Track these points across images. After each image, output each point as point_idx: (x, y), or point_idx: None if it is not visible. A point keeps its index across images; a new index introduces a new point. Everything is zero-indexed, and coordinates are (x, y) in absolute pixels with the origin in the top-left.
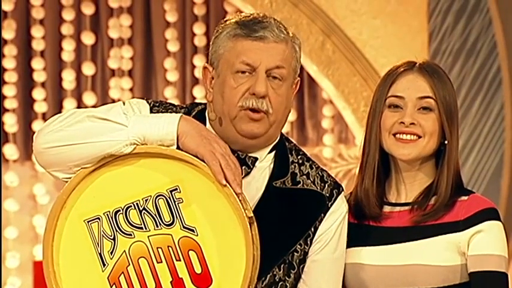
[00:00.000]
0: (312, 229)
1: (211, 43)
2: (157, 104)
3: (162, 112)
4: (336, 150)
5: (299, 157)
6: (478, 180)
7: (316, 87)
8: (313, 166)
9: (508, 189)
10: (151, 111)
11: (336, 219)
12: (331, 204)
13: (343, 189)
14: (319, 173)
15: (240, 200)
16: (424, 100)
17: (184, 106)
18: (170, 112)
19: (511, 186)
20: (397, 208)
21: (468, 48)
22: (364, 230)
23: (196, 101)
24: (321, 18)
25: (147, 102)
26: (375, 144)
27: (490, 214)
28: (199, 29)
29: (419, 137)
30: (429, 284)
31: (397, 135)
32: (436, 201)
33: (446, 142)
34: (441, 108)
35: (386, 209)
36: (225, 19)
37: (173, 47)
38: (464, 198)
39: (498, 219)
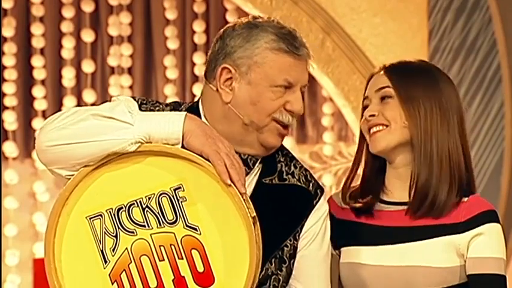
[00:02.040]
0: (300, 225)
1: (235, 45)
2: (144, 101)
3: (150, 109)
4: (336, 148)
5: (284, 156)
6: (478, 178)
7: (316, 85)
8: (297, 165)
9: (508, 187)
10: (139, 109)
11: (319, 216)
12: (316, 202)
13: (324, 190)
14: (303, 172)
15: (243, 200)
16: (381, 91)
17: (169, 104)
18: (158, 109)
19: (511, 183)
20: (394, 207)
21: (468, 46)
22: (362, 229)
23: (196, 99)
24: (321, 16)
25: (135, 99)
26: (364, 146)
27: (490, 216)
28: (199, 26)
29: (386, 126)
30: (428, 285)
31: (370, 131)
32: (432, 200)
33: (405, 123)
34: (401, 95)
35: (383, 207)
36: (251, 22)
37: (173, 44)
38: (464, 199)
39: (497, 221)
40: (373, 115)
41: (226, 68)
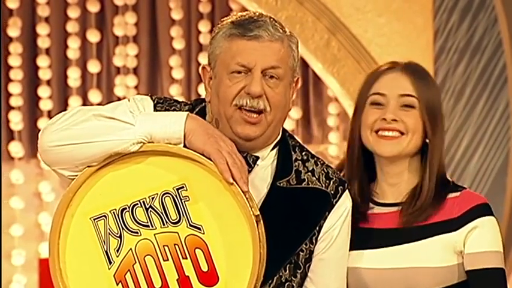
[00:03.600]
0: (317, 228)
1: (209, 43)
2: (161, 101)
3: (166, 109)
4: (341, 148)
5: (303, 153)
6: (483, 179)
7: (322, 85)
8: (318, 163)
9: None
10: (155, 108)
11: (340, 215)
12: (336, 202)
13: (348, 186)
14: (324, 169)
15: (246, 198)
16: (406, 98)
17: (189, 103)
18: (174, 109)
19: None
20: (386, 209)
21: (473, 46)
22: (358, 233)
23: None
24: (326, 16)
25: (151, 98)
26: (357, 143)
27: (483, 210)
28: (204, 26)
29: (402, 133)
30: (429, 285)
31: (379, 132)
32: (422, 201)
33: (428, 141)
34: (423, 107)
35: (375, 209)
36: (222, 19)
37: (178, 44)
38: (456, 194)
39: (491, 214)
40: (395, 120)
41: (204, 68)
